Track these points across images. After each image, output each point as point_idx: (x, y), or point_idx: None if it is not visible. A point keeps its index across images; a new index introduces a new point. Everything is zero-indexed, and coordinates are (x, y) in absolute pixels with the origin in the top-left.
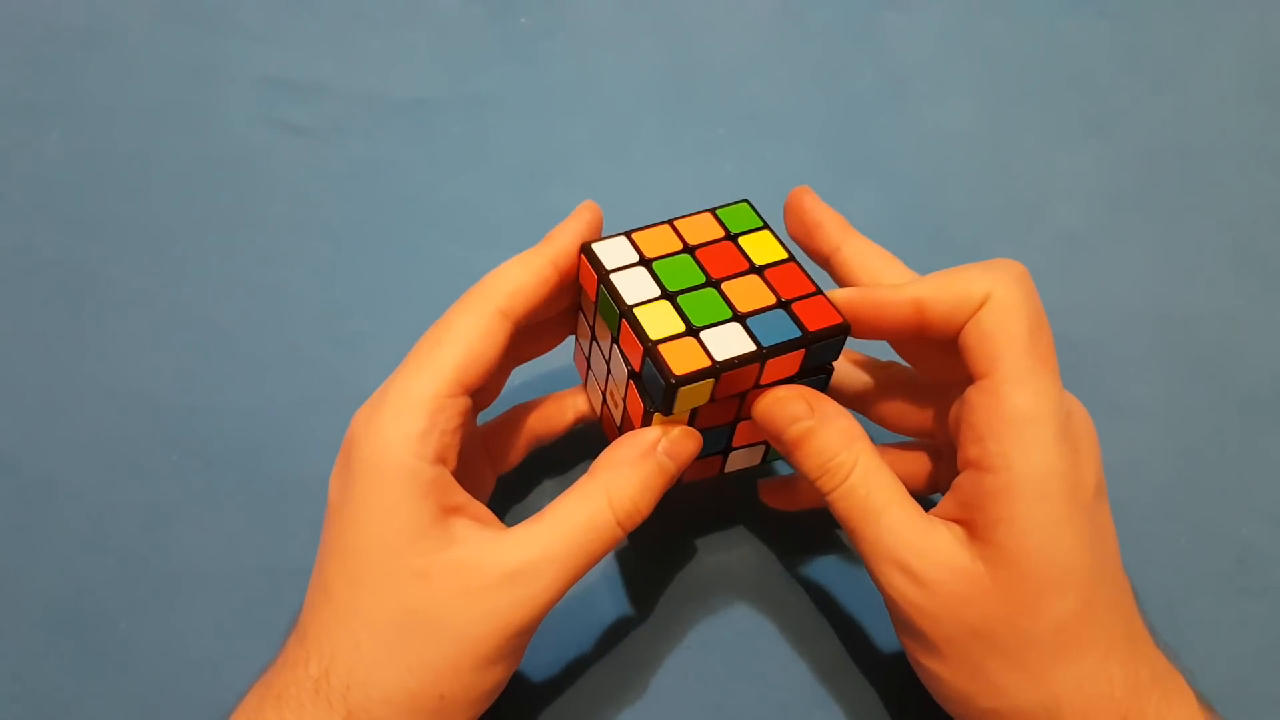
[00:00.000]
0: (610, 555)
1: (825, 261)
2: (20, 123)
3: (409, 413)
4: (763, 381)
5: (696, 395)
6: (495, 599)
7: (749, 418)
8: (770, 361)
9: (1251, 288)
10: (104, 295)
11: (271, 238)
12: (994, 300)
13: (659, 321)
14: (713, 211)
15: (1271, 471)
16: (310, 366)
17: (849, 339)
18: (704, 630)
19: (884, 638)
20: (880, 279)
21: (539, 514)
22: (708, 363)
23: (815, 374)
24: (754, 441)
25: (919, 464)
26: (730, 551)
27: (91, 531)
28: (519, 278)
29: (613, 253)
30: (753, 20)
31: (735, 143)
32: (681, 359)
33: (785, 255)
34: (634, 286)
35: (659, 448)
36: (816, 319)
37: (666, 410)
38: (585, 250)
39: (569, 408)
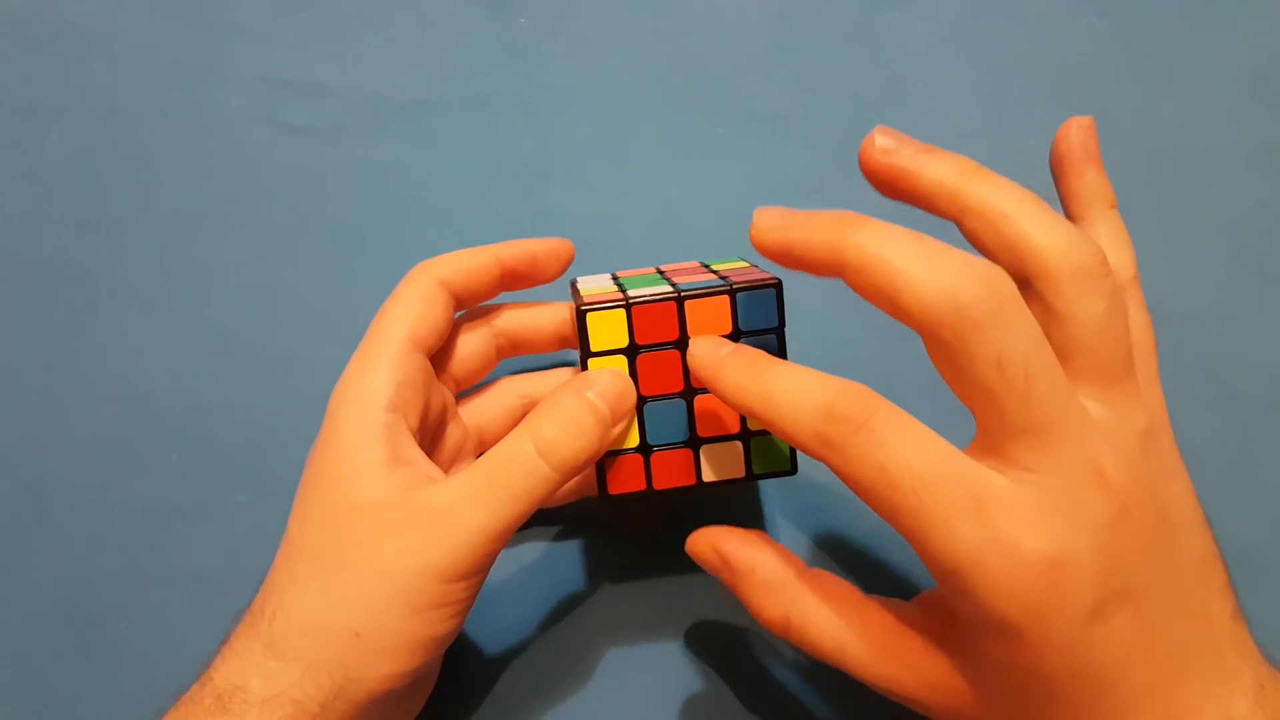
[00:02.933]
0: (598, 565)
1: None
2: (20, 123)
3: (366, 365)
4: (692, 334)
5: (611, 329)
6: (413, 535)
7: (701, 390)
8: (692, 307)
9: (1251, 288)
10: (104, 295)
11: (271, 238)
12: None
13: (596, 289)
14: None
15: (1271, 471)
16: (310, 366)
17: None
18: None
19: None
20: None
21: None
22: (619, 296)
23: (759, 335)
24: (723, 434)
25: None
26: None
27: (91, 531)
28: (460, 256)
29: (590, 279)
30: (753, 20)
31: (735, 143)
32: (596, 296)
33: (747, 264)
34: (591, 283)
35: (589, 388)
36: (745, 277)
37: (585, 342)
38: (571, 282)
39: (551, 313)
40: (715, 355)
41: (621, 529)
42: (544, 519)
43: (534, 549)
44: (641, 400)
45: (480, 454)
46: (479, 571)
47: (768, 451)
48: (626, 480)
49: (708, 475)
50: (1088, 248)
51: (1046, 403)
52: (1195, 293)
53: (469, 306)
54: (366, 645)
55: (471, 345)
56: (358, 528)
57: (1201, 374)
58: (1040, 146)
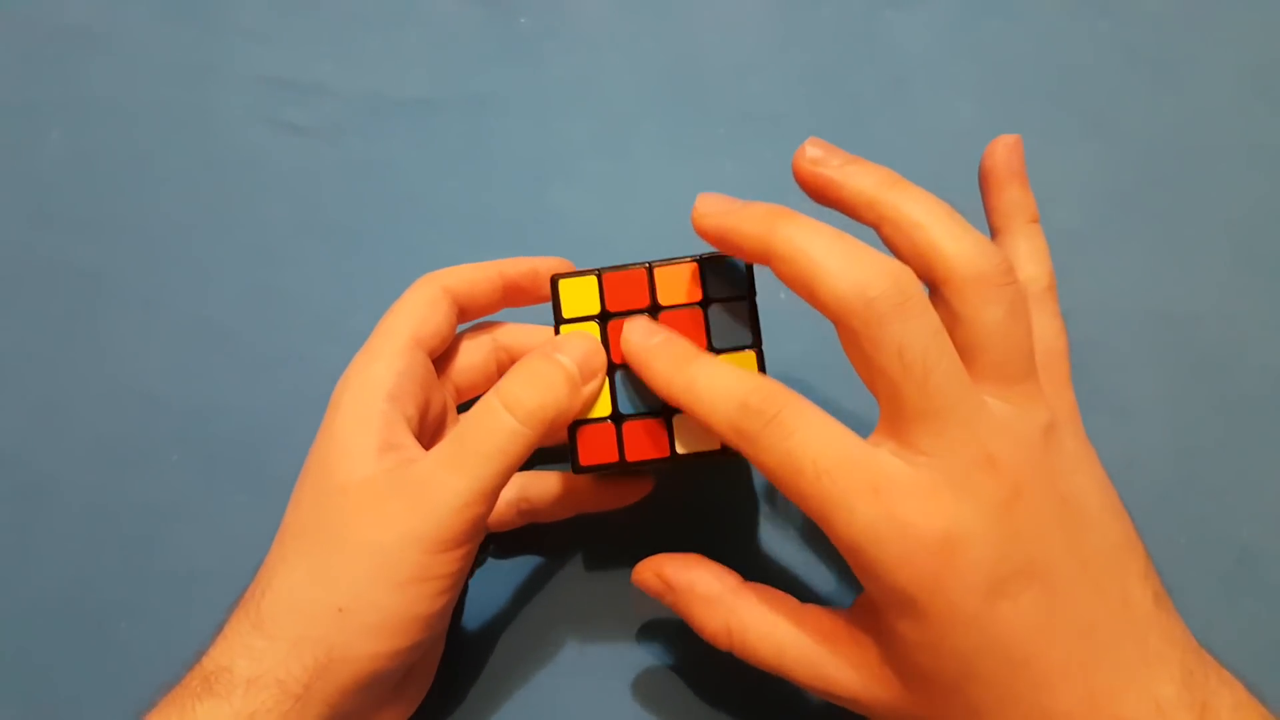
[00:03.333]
0: (598, 567)
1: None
2: (20, 123)
3: (370, 358)
4: (662, 301)
5: (583, 296)
6: (394, 507)
7: None
8: (661, 274)
9: (1251, 288)
10: (104, 295)
11: (271, 238)
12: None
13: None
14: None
15: (1271, 471)
16: (310, 366)
17: None
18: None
19: None
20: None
21: None
22: (592, 268)
23: (728, 303)
24: None
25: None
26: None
27: (91, 531)
28: (465, 268)
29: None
30: (753, 20)
31: (735, 143)
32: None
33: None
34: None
35: (555, 349)
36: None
37: (557, 309)
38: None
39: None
40: (645, 343)
41: (622, 532)
42: (540, 529)
43: (532, 551)
44: (613, 367)
45: None
46: (463, 541)
47: None
48: (598, 452)
49: (681, 447)
50: (992, 258)
51: (942, 392)
52: (1195, 293)
53: (473, 317)
54: (351, 621)
55: (473, 355)
56: (344, 506)
57: (1201, 374)
58: (1040, 147)
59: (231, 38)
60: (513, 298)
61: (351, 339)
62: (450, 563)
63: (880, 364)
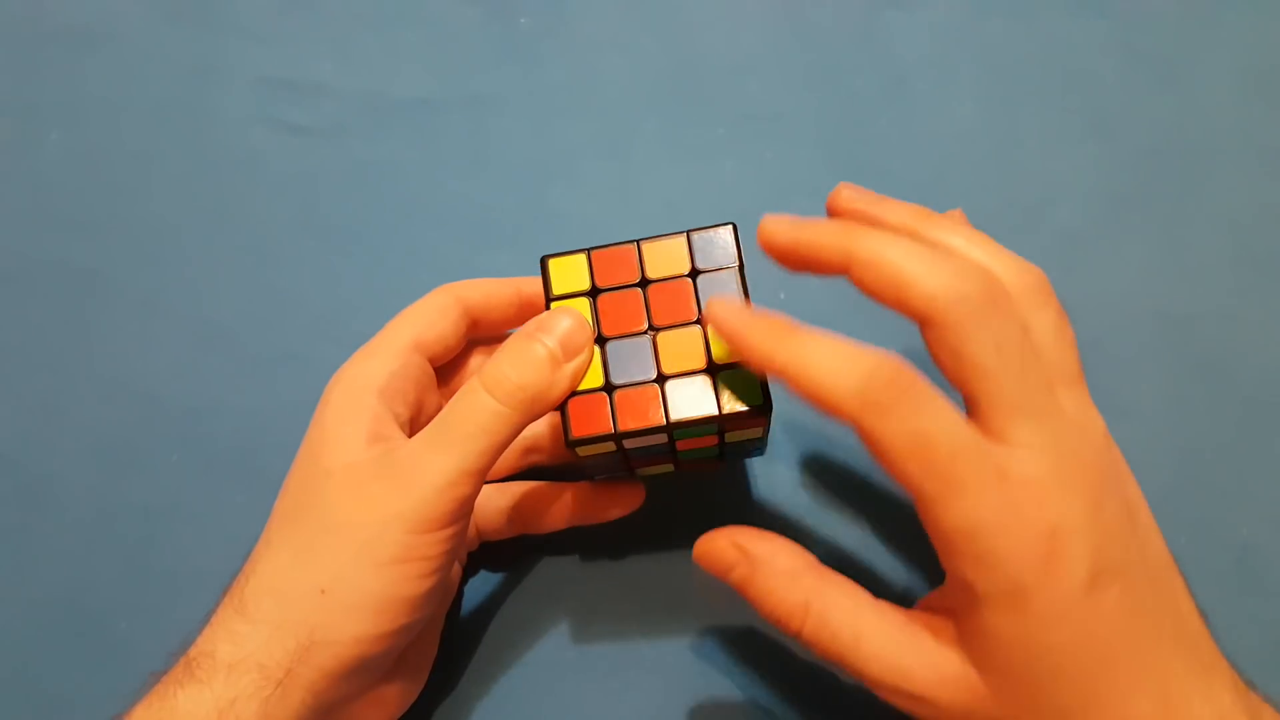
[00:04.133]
0: (600, 564)
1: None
2: (20, 123)
3: (365, 355)
4: (650, 275)
5: (572, 274)
6: (378, 489)
7: (664, 327)
8: (649, 249)
9: (1251, 288)
10: (104, 295)
11: (271, 238)
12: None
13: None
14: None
15: (1271, 471)
16: (310, 366)
17: None
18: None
19: None
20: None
21: None
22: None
23: (716, 273)
24: (691, 370)
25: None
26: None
27: (91, 531)
28: (482, 281)
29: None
30: (753, 20)
31: (735, 143)
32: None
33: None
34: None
35: (535, 327)
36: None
37: (547, 288)
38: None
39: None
40: (739, 318)
41: (620, 533)
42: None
43: (530, 551)
44: (603, 339)
45: None
46: (447, 523)
47: (738, 386)
48: (591, 423)
49: (676, 413)
50: (1034, 273)
51: (1038, 388)
52: (1196, 293)
53: (487, 330)
54: (333, 602)
55: (481, 365)
56: (328, 489)
57: (1201, 374)
58: (1040, 146)
59: (231, 38)
60: (528, 316)
61: (351, 339)
62: (434, 544)
63: (976, 358)
